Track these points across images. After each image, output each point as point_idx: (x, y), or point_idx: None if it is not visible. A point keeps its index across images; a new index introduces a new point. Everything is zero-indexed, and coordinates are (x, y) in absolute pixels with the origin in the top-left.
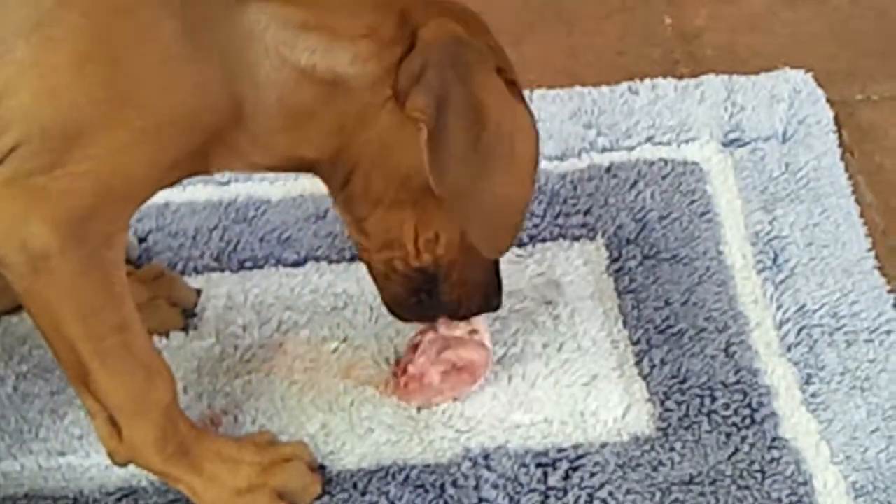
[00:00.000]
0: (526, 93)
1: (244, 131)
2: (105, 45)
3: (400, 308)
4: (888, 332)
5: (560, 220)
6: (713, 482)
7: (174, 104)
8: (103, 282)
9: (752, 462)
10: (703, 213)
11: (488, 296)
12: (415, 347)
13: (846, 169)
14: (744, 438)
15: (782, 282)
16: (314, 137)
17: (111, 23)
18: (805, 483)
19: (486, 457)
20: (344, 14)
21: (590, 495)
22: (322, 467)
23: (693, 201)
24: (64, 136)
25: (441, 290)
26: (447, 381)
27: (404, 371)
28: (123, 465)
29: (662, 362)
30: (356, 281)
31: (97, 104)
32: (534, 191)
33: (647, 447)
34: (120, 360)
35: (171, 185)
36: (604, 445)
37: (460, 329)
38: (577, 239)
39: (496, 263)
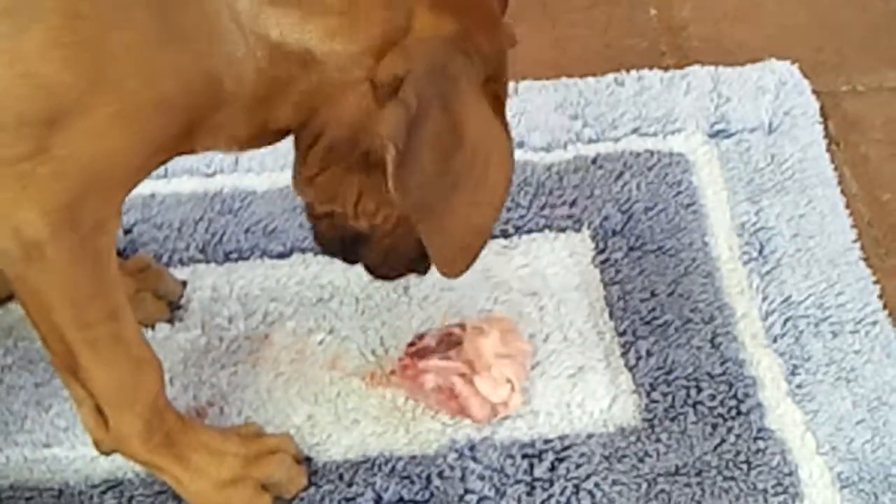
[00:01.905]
0: (512, 84)
1: (224, 108)
2: (75, 29)
3: (326, 244)
4: (874, 323)
5: (546, 212)
6: (699, 473)
7: (148, 87)
8: (95, 269)
9: (738, 453)
10: (688, 205)
11: (412, 265)
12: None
13: (832, 160)
14: (730, 429)
15: (768, 273)
16: (288, 109)
17: (80, 6)
18: (790, 474)
19: (472, 448)
20: None
21: (576, 486)
22: (308, 459)
23: (679, 192)
24: (41, 121)
25: (369, 248)
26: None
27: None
28: (109, 454)
29: (648, 353)
30: (342, 272)
31: (69, 89)
32: (497, 221)
33: (633, 438)
34: (109, 350)
35: (160, 165)
36: (590, 436)
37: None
38: (562, 230)
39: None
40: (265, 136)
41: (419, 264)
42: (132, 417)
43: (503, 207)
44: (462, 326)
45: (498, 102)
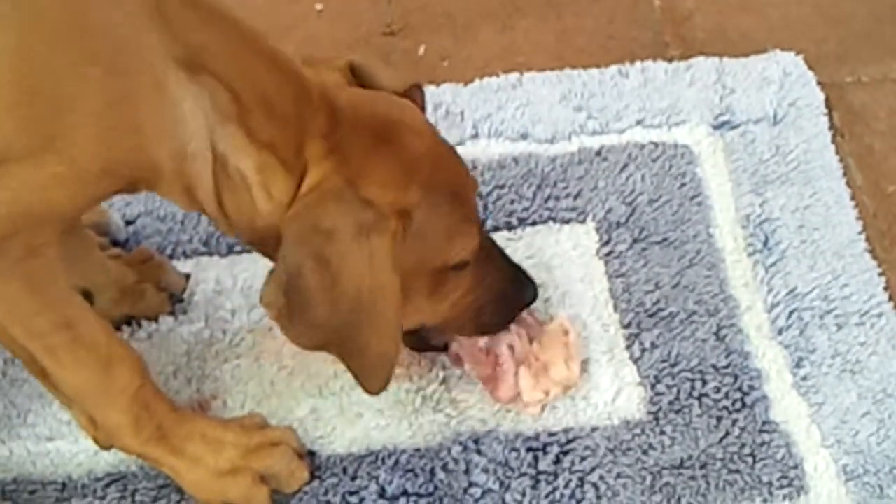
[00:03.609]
0: (516, 76)
1: (163, 185)
2: (25, 101)
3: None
4: (879, 315)
5: (550, 204)
6: (704, 466)
7: (91, 157)
8: (31, 290)
9: (743, 445)
10: (693, 196)
11: (512, 297)
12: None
13: (837, 151)
14: (734, 422)
15: (773, 265)
16: (220, 214)
17: (32, 82)
18: (796, 466)
19: (477, 441)
20: (258, 116)
21: (580, 479)
22: (312, 452)
23: (683, 184)
24: None
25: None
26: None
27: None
28: (108, 448)
29: (653, 346)
30: None
31: (21, 144)
32: (400, 344)
33: (637, 431)
34: (70, 355)
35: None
36: (594, 429)
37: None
38: (567, 222)
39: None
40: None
41: (518, 291)
42: (116, 414)
43: (400, 334)
44: (551, 317)
45: (385, 237)
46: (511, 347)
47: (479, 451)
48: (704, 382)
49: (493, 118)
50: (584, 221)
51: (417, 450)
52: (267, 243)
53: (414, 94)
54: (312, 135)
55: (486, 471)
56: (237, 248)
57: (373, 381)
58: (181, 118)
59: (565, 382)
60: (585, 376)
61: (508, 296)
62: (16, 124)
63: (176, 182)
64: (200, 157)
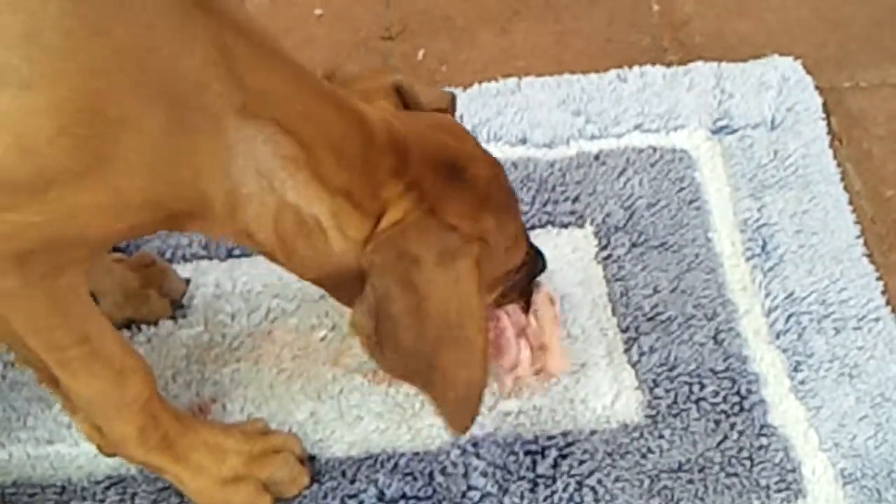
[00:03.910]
0: (515, 80)
1: (215, 222)
2: (84, 124)
3: None
4: (876, 320)
5: (549, 208)
6: (702, 469)
7: (139, 190)
8: (53, 305)
9: (741, 449)
10: (691, 201)
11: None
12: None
13: (835, 156)
14: (732, 426)
15: (771, 269)
16: (285, 253)
17: (94, 105)
18: (793, 470)
19: (475, 444)
20: (328, 163)
21: (579, 483)
22: (311, 456)
23: (682, 189)
24: (28, 189)
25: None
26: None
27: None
28: (111, 455)
29: (651, 350)
30: None
31: (65, 170)
32: (487, 371)
33: (636, 435)
34: (85, 367)
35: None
36: (593, 433)
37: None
38: (565, 226)
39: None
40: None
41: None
42: (123, 424)
43: (488, 359)
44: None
45: (469, 260)
46: (507, 314)
47: (477, 455)
48: (702, 386)
49: (492, 123)
50: (582, 226)
51: (416, 453)
52: (335, 280)
53: (449, 106)
54: (386, 176)
55: (484, 474)
56: (236, 252)
57: (460, 414)
58: (236, 161)
59: (555, 370)
60: (584, 380)
61: (530, 271)
62: (68, 145)
63: (228, 222)
64: (257, 201)
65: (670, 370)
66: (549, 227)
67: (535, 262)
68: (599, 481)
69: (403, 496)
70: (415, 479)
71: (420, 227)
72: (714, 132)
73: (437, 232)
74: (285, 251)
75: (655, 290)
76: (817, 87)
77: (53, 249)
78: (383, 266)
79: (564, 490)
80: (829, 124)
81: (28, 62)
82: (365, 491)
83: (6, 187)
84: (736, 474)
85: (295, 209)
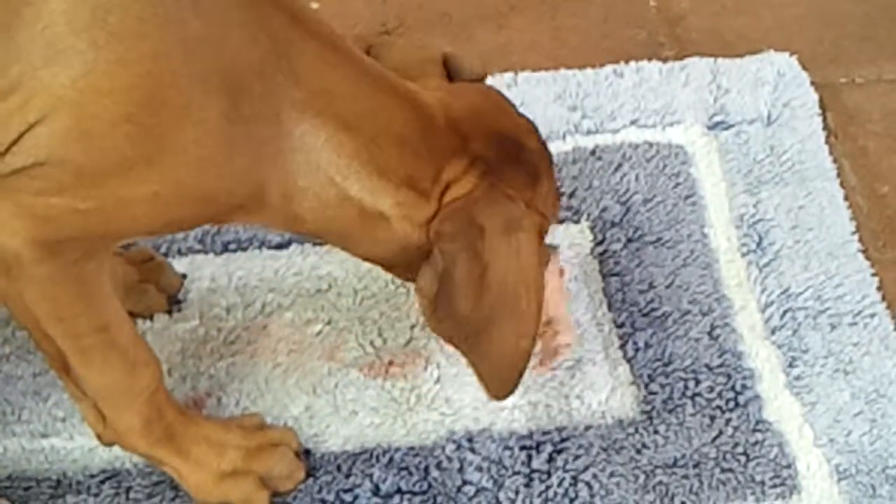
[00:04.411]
0: (511, 75)
1: (265, 212)
2: (149, 111)
3: None
4: (872, 316)
5: None
6: (697, 465)
7: (197, 181)
8: (80, 290)
9: (736, 445)
10: (687, 196)
11: None
12: None
13: (830, 152)
14: (728, 421)
15: (767, 265)
16: (343, 241)
17: (162, 92)
18: (788, 466)
19: (471, 439)
20: (391, 156)
21: (574, 478)
22: (306, 450)
23: (678, 184)
24: (80, 174)
25: None
26: None
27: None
28: (111, 445)
29: (647, 345)
30: (340, 263)
31: (124, 159)
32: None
33: (631, 430)
34: (101, 356)
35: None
36: (588, 428)
37: None
38: (561, 221)
39: None
40: (304, 234)
41: None
42: (129, 415)
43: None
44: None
45: (531, 232)
46: None
47: (472, 450)
48: (698, 382)
49: None
50: (578, 221)
51: (412, 448)
52: (392, 258)
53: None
54: (448, 157)
55: (479, 469)
56: (232, 247)
57: (502, 382)
58: (296, 156)
59: (562, 344)
60: (579, 375)
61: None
62: (130, 133)
63: (279, 214)
64: (314, 194)
65: (666, 366)
66: None
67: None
68: (594, 476)
69: (399, 491)
70: (410, 473)
71: (487, 198)
72: (710, 128)
73: (503, 203)
74: (342, 238)
75: (651, 286)
76: (813, 83)
77: (91, 237)
78: (453, 234)
79: (559, 485)
80: (824, 120)
81: (94, 47)
82: (360, 485)
83: (57, 169)
84: (731, 470)
85: (358, 202)
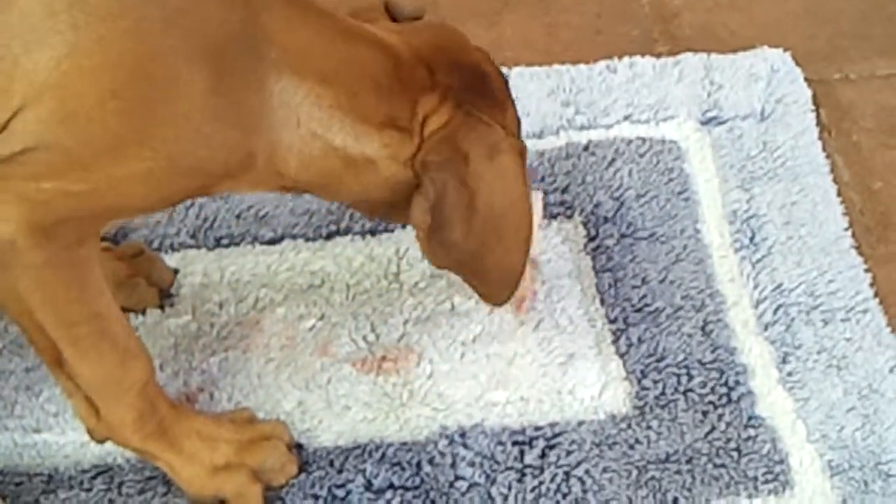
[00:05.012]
0: (504, 70)
1: (252, 173)
2: (134, 87)
3: None
4: (864, 311)
5: None
6: (689, 460)
7: (188, 152)
8: (73, 276)
9: (729, 440)
10: (680, 192)
11: None
12: None
13: (824, 148)
14: (720, 417)
15: (759, 260)
16: (330, 190)
17: (145, 67)
18: (781, 461)
19: (463, 435)
20: (369, 99)
21: (566, 473)
22: (299, 445)
23: (671, 180)
24: (69, 156)
25: None
26: None
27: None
28: (102, 441)
29: (639, 340)
30: (333, 258)
31: (113, 137)
32: (528, 254)
33: (623, 425)
34: (94, 346)
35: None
36: (580, 424)
37: None
38: (554, 217)
39: None
40: (288, 190)
41: None
42: (123, 408)
43: (531, 244)
44: None
45: (512, 154)
46: None
47: (465, 445)
48: (690, 377)
49: None
50: (571, 216)
51: (404, 443)
52: (377, 201)
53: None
54: (420, 92)
55: (472, 464)
56: (224, 242)
57: (501, 293)
58: (277, 115)
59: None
60: (571, 371)
61: None
62: (118, 109)
63: (266, 174)
64: (299, 151)
65: (658, 361)
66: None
67: None
68: (587, 472)
69: (391, 486)
70: (402, 469)
71: (466, 126)
72: (703, 123)
73: (482, 129)
74: (328, 188)
75: (644, 281)
76: (806, 79)
77: (85, 220)
78: (439, 163)
79: (552, 480)
80: (818, 116)
81: (73, 28)
82: (352, 481)
83: (47, 153)
84: (723, 465)
85: (343, 151)
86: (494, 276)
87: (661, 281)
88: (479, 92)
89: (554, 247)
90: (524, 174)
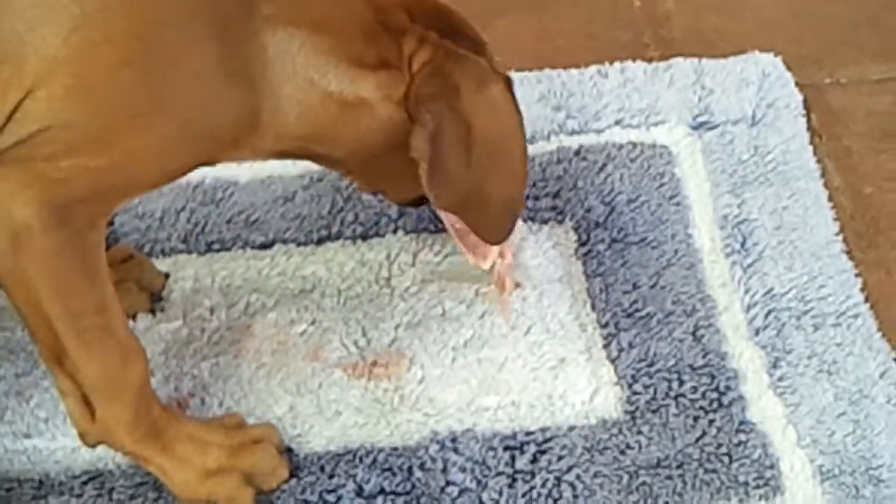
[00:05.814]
0: None
1: (257, 134)
2: (144, 54)
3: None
4: (855, 316)
5: (529, 203)
6: (680, 465)
7: (202, 117)
8: (84, 262)
9: (720, 445)
10: (671, 197)
11: None
12: None
13: (814, 153)
14: (711, 422)
15: (750, 265)
16: (328, 142)
17: (153, 34)
18: (772, 466)
19: (454, 440)
20: (360, 43)
21: (557, 478)
22: (289, 450)
23: (662, 184)
24: (86, 132)
25: None
26: None
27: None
28: (94, 445)
29: (630, 345)
30: (324, 263)
31: (128, 107)
32: (527, 178)
33: (614, 430)
34: (98, 340)
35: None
36: (571, 429)
37: None
38: (545, 222)
39: None
40: (288, 153)
41: None
42: (121, 407)
43: (526, 173)
44: None
45: (501, 80)
46: None
47: (456, 450)
48: (681, 382)
49: None
50: (562, 221)
51: (395, 448)
52: (374, 152)
53: None
54: (402, 35)
55: (463, 469)
56: (216, 247)
57: (498, 230)
58: (274, 68)
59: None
60: (562, 375)
61: None
62: (131, 77)
63: (268, 134)
64: (297, 102)
65: (649, 366)
66: (529, 222)
67: None
68: (578, 477)
69: (382, 491)
70: (393, 474)
71: (452, 59)
72: (694, 128)
73: (468, 62)
74: (326, 140)
75: (635, 286)
76: (797, 84)
77: (100, 196)
78: (433, 94)
79: (543, 486)
80: (809, 121)
81: (78, 1)
82: (343, 486)
83: (63, 131)
84: (714, 470)
85: (339, 96)
86: (495, 208)
87: (653, 286)
88: (458, 32)
89: (545, 251)
90: (515, 102)
